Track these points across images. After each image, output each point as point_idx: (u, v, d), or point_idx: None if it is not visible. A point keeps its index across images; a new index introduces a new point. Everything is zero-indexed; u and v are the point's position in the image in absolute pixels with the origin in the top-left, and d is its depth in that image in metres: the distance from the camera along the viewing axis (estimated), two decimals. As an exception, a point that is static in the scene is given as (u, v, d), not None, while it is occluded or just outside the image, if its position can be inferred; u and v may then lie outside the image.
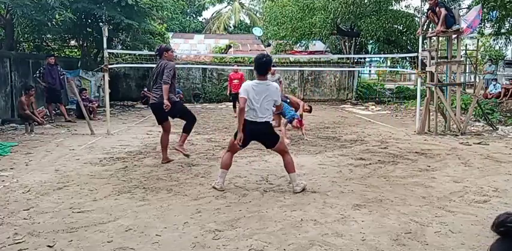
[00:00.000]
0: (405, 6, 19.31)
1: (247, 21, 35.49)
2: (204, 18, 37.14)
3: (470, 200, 4.38)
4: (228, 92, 12.74)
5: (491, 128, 9.40)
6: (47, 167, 5.77)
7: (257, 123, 4.51)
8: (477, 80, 17.28)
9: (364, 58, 21.57)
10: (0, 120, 9.78)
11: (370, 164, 6.04)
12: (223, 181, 4.75)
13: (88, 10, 12.25)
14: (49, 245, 3.20)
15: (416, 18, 16.74)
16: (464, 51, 17.40)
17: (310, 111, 8.89)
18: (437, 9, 8.76)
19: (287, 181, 4.92)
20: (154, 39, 15.65)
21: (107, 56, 8.94)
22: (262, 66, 4.49)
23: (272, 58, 4.73)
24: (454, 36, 9.08)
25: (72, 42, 16.42)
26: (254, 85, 4.50)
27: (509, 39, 17.73)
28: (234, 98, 12.05)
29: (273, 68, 13.20)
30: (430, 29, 10.51)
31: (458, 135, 8.54)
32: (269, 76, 12.90)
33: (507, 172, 5.60)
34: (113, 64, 11.81)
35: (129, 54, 13.71)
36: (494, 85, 13.59)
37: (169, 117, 6.07)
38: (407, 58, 17.44)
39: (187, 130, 6.24)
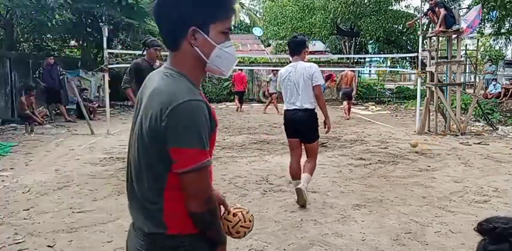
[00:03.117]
0: (405, 6, 19.36)
1: (247, 21, 35.49)
2: (204, 18, 37.11)
3: (470, 200, 4.38)
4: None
5: (491, 128, 9.40)
6: (47, 167, 5.77)
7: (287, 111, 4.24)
8: (477, 80, 17.28)
9: (364, 58, 21.59)
10: (0, 120, 9.77)
11: (370, 164, 6.04)
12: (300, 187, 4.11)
13: (88, 10, 12.25)
14: (49, 245, 3.20)
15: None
16: (464, 51, 17.40)
17: None
18: (436, 9, 8.76)
19: (287, 181, 4.92)
20: (154, 39, 15.63)
21: (107, 56, 8.94)
22: (289, 46, 4.30)
23: (304, 39, 4.41)
24: (454, 36, 9.09)
25: (72, 42, 16.41)
26: (285, 70, 4.24)
27: (509, 39, 17.76)
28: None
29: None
30: (430, 29, 10.52)
31: (458, 135, 8.53)
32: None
33: (507, 172, 5.60)
34: (113, 64, 11.81)
35: (129, 54, 13.69)
36: (494, 85, 13.58)
37: None
38: (407, 58, 17.50)
39: None
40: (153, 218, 1.27)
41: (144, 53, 5.45)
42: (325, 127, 4.37)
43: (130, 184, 1.36)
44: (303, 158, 4.37)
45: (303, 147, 4.36)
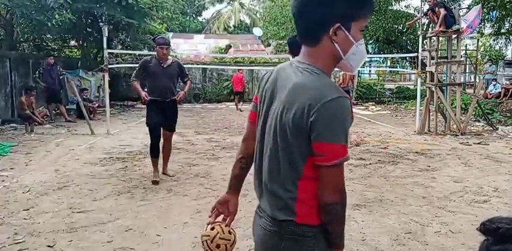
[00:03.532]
0: (405, 6, 19.31)
1: (247, 21, 35.50)
2: (204, 18, 37.15)
3: (470, 200, 4.38)
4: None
5: (491, 128, 9.40)
6: (47, 167, 5.77)
7: None
8: (477, 80, 17.28)
9: (364, 58, 21.50)
10: (0, 120, 9.78)
11: (370, 164, 6.04)
12: None
13: (88, 10, 12.25)
14: (49, 245, 3.20)
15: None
16: (464, 51, 17.39)
17: None
18: (436, 9, 8.77)
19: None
20: (154, 39, 15.62)
21: (107, 56, 8.94)
22: (292, 45, 4.29)
23: None
24: (454, 36, 9.09)
25: (72, 42, 16.41)
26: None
27: (509, 39, 17.73)
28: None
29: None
30: (430, 29, 10.51)
31: (458, 135, 8.54)
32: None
33: (507, 172, 5.60)
34: (113, 64, 11.81)
35: (129, 54, 13.71)
36: (494, 85, 13.58)
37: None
38: (407, 58, 17.47)
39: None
40: (284, 205, 1.33)
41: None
42: None
43: (260, 171, 1.42)
44: None
45: None
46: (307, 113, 1.22)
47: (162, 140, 5.28)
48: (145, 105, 5.32)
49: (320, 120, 1.21)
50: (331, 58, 1.33)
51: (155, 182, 4.92)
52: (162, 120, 5.05)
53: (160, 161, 5.38)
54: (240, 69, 15.18)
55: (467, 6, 13.67)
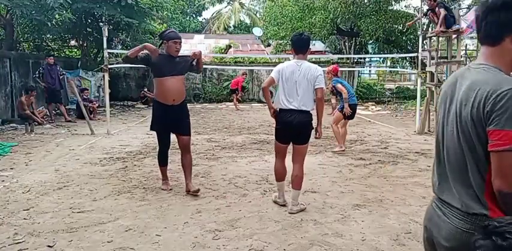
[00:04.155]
0: (405, 6, 19.38)
1: (247, 21, 35.49)
2: (204, 18, 37.14)
3: (470, 200, 4.38)
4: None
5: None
6: (47, 167, 5.77)
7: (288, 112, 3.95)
8: (477, 80, 17.25)
9: (364, 58, 21.57)
10: (0, 120, 9.78)
11: (370, 164, 6.04)
12: (282, 194, 4.21)
13: (88, 10, 12.26)
14: (49, 245, 3.20)
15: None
16: (464, 51, 17.39)
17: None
18: (437, 9, 8.77)
19: (287, 181, 4.90)
20: (154, 39, 15.64)
21: (107, 56, 8.94)
22: (296, 44, 4.06)
23: (310, 36, 4.22)
24: (454, 36, 9.09)
25: (72, 42, 16.41)
26: (288, 65, 4.00)
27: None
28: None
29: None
30: (430, 29, 10.52)
31: (458, 135, 8.52)
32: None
33: (507, 172, 5.59)
34: (113, 64, 11.81)
35: (129, 54, 13.71)
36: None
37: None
38: (407, 58, 17.48)
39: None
40: (476, 199, 1.35)
41: (163, 49, 4.54)
42: (316, 134, 4.07)
43: (443, 167, 1.50)
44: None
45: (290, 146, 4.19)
46: (483, 104, 1.28)
47: (171, 149, 4.98)
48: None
49: (495, 109, 1.26)
50: (509, 60, 1.38)
51: (165, 189, 4.65)
52: (170, 126, 4.55)
53: (181, 175, 4.92)
54: (244, 74, 15.66)
55: (467, 6, 13.70)
